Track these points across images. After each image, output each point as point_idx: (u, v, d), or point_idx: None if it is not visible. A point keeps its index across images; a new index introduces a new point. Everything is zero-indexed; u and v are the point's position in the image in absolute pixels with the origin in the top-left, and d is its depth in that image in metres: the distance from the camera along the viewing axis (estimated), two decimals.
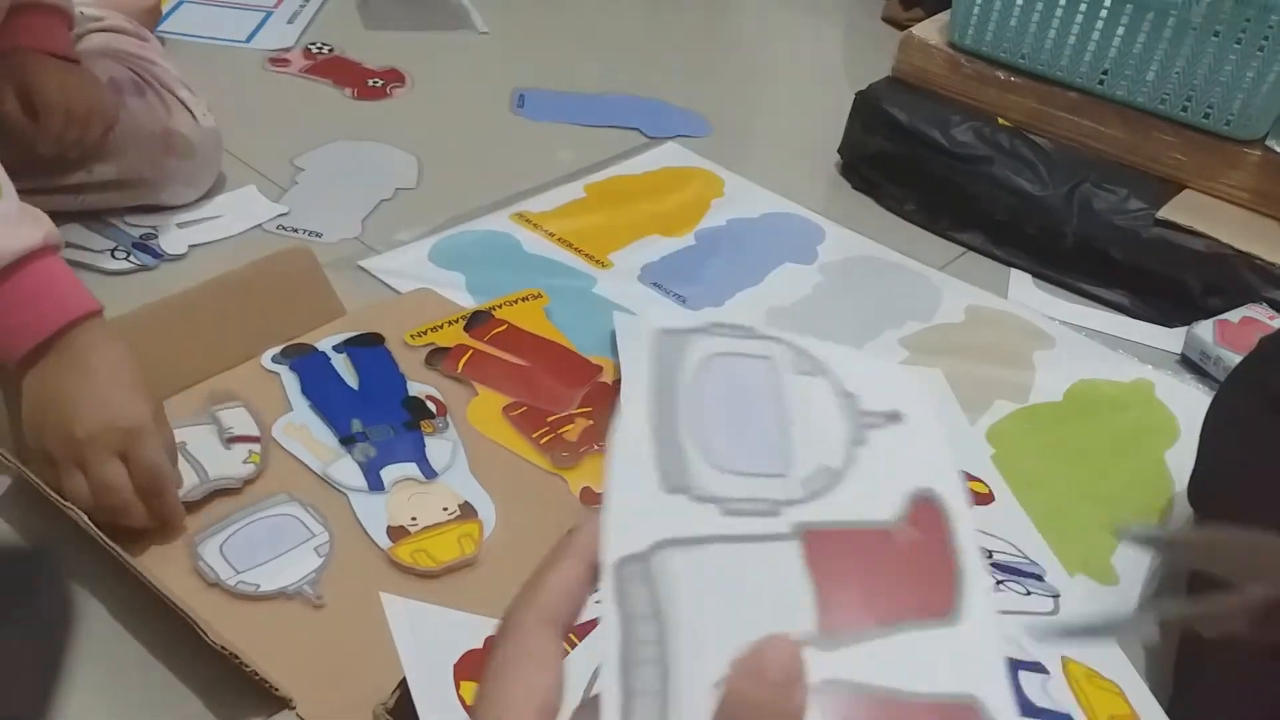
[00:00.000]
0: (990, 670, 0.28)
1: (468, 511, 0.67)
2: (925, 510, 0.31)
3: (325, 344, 0.77)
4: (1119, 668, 0.58)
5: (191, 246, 0.89)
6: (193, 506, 0.64)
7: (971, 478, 0.74)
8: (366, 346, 0.78)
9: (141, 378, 0.62)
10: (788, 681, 0.26)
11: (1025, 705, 0.53)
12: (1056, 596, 0.63)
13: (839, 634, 0.29)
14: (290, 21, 1.27)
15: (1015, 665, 0.56)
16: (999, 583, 0.62)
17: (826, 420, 0.33)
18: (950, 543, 0.30)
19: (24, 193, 0.63)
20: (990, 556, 0.64)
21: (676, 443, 0.35)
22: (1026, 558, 0.66)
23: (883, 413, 0.34)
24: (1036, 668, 0.56)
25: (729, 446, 0.34)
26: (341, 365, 0.76)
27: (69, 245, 0.85)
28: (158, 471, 0.60)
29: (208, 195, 0.94)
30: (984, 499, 0.72)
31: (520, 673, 0.28)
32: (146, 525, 0.61)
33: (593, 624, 0.57)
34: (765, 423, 0.36)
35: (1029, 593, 0.62)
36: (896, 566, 0.30)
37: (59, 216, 0.84)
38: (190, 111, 0.91)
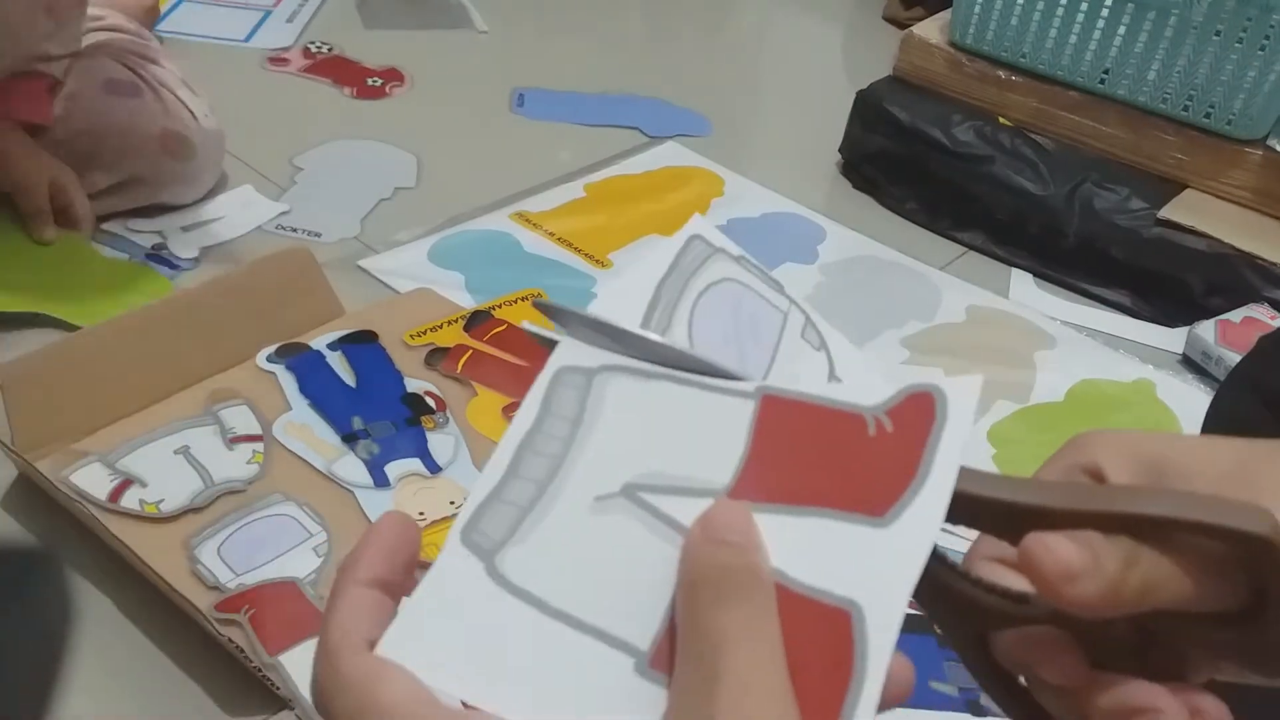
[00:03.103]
0: (891, 583, 0.24)
1: None
2: (915, 404, 0.27)
3: (320, 342, 0.77)
4: None
5: (202, 250, 0.88)
6: (196, 511, 0.64)
7: None
8: (361, 344, 0.78)
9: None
10: (745, 542, 0.25)
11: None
12: None
13: (743, 498, 0.26)
14: (289, 20, 1.27)
15: None
16: None
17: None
18: (926, 446, 0.26)
19: None
20: None
21: (670, 315, 0.35)
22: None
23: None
24: None
25: (713, 342, 0.34)
26: (337, 363, 0.76)
27: None
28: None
29: (210, 195, 0.94)
30: None
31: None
32: None
33: None
34: (754, 353, 0.36)
35: None
36: (850, 452, 0.27)
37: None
38: (190, 111, 0.90)
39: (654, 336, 0.30)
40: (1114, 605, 0.25)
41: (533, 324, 0.32)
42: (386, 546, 0.28)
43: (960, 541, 0.29)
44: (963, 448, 0.26)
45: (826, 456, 0.27)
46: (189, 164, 0.90)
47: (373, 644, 0.25)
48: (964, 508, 0.26)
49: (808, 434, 0.28)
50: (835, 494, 0.26)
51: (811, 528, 0.26)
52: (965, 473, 0.26)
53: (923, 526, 0.25)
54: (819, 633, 0.24)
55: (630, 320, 0.34)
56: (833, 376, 0.38)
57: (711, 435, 0.28)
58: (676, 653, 0.24)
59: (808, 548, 0.25)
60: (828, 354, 0.39)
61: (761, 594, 0.24)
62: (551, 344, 0.31)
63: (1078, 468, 0.29)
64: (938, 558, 0.26)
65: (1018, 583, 0.27)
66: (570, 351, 0.31)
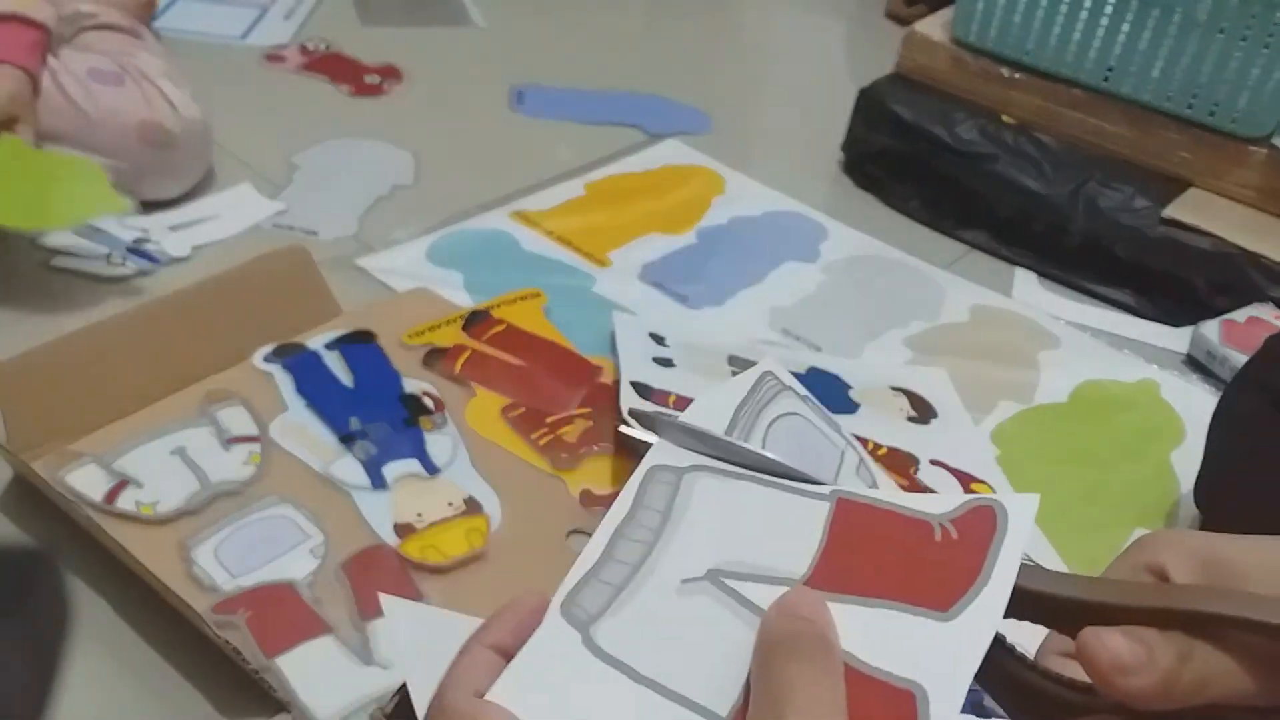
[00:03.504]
0: (954, 670, 0.27)
1: (473, 506, 0.66)
2: (979, 515, 0.30)
3: (317, 342, 0.76)
4: None
5: (195, 248, 0.88)
6: (193, 512, 0.63)
7: (976, 479, 0.73)
8: (358, 344, 0.77)
9: None
10: (817, 618, 0.28)
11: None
12: None
13: (817, 587, 0.29)
14: (287, 17, 1.27)
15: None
16: None
17: None
18: (988, 552, 0.29)
19: None
20: None
21: (747, 435, 0.40)
22: (1030, 560, 0.66)
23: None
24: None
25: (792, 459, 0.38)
26: (334, 363, 0.75)
27: (61, 254, 0.85)
28: None
29: (201, 193, 0.93)
30: None
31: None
32: None
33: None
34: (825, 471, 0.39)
35: None
36: (918, 553, 0.30)
37: None
38: (170, 101, 0.90)
39: (740, 441, 0.35)
40: (1168, 698, 0.26)
41: (627, 427, 0.38)
42: (515, 620, 0.32)
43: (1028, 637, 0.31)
44: (1021, 555, 0.28)
45: (895, 556, 0.30)
46: (168, 154, 0.90)
47: (481, 694, 0.29)
48: (1028, 603, 0.29)
49: (878, 535, 0.31)
50: (903, 589, 0.29)
51: (880, 617, 0.28)
52: (1029, 570, 0.29)
53: (985, 620, 0.28)
54: (883, 708, 0.27)
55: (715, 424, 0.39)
56: None
57: (789, 531, 0.32)
58: (749, 706, 0.27)
59: (876, 635, 0.28)
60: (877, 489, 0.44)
61: (829, 658, 0.27)
62: (646, 446, 0.36)
63: (1142, 566, 0.31)
64: (1008, 649, 0.29)
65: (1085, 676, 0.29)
66: (662, 452, 0.35)
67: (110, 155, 0.87)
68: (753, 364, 0.78)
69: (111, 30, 0.93)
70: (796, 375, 0.79)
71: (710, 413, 0.41)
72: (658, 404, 0.69)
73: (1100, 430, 0.80)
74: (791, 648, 0.27)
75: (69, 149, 0.86)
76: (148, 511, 0.62)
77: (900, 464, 0.72)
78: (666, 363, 0.76)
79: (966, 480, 0.73)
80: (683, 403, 0.70)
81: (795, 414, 0.45)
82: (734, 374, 0.77)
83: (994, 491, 0.73)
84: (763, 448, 0.38)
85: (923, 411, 0.79)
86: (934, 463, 0.73)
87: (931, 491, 0.70)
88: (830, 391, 0.79)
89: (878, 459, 0.72)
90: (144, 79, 0.90)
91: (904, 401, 0.80)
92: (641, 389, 0.71)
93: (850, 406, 0.78)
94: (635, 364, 0.74)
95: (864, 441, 0.73)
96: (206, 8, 1.26)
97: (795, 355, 0.83)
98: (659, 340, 0.79)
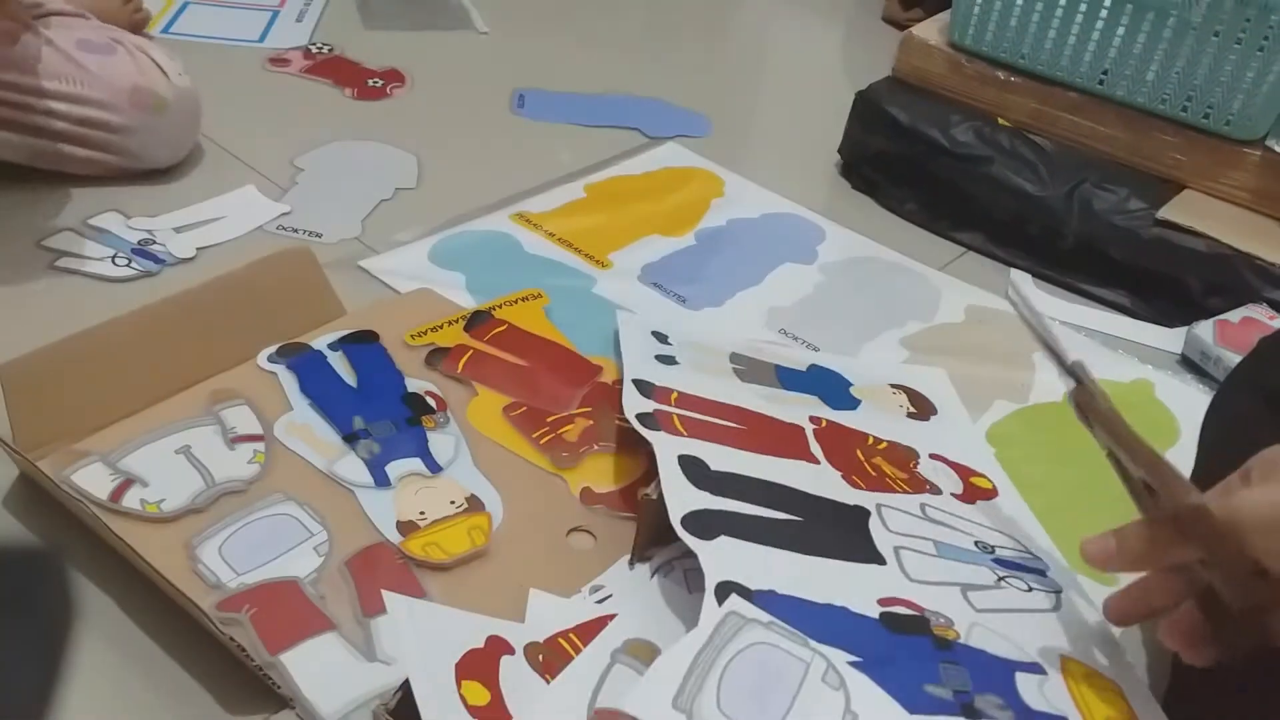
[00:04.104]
0: None
1: (475, 504, 0.67)
2: None
3: (320, 342, 0.77)
4: (1120, 668, 0.58)
5: (200, 249, 0.89)
6: (198, 511, 0.64)
7: (975, 472, 0.74)
8: (362, 344, 0.78)
9: None
10: None
11: (1021, 709, 0.53)
12: (1059, 593, 0.63)
13: None
14: (299, 20, 1.28)
15: (1012, 667, 0.55)
16: (1000, 579, 0.62)
17: None
18: None
19: None
20: (993, 552, 0.64)
21: (702, 681, 0.48)
22: (1029, 553, 0.66)
23: None
24: (1034, 668, 0.56)
25: (739, 695, 0.47)
26: (338, 363, 0.76)
27: (66, 254, 0.86)
28: None
29: (189, 170, 0.95)
30: (987, 494, 0.72)
31: None
32: None
33: (598, 625, 0.57)
34: (776, 698, 0.48)
35: (1030, 589, 0.62)
36: None
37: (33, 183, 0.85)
38: (162, 70, 0.92)
39: None
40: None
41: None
42: None
43: None
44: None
45: None
46: (161, 120, 0.92)
47: None
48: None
49: None
50: None
51: None
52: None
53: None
54: None
55: (668, 685, 0.47)
56: (848, 710, 0.49)
57: None
58: None
59: None
60: (845, 691, 0.50)
61: None
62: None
63: (1241, 471, 0.48)
64: None
65: None
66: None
67: (98, 110, 0.89)
68: (755, 360, 0.80)
69: (65, 16, 0.94)
70: (797, 372, 0.80)
71: (672, 660, 0.48)
72: (659, 402, 0.70)
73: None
74: None
75: (63, 109, 0.88)
76: (153, 510, 0.63)
77: (900, 458, 0.73)
78: (669, 360, 0.77)
79: (966, 473, 0.74)
80: (686, 400, 0.71)
81: (757, 644, 0.51)
82: (735, 370, 0.78)
83: (993, 484, 0.73)
84: (719, 684, 0.47)
85: (922, 408, 0.80)
86: (934, 456, 0.74)
87: (933, 483, 0.71)
88: (831, 387, 0.80)
89: (877, 453, 0.73)
90: (136, 49, 0.92)
91: (904, 398, 0.81)
92: (644, 386, 0.71)
93: (851, 402, 0.78)
94: (638, 362, 0.75)
95: (864, 436, 0.74)
96: (217, 13, 1.27)
97: (795, 353, 0.84)
98: (662, 338, 0.80)
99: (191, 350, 0.73)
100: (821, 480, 0.67)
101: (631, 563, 0.63)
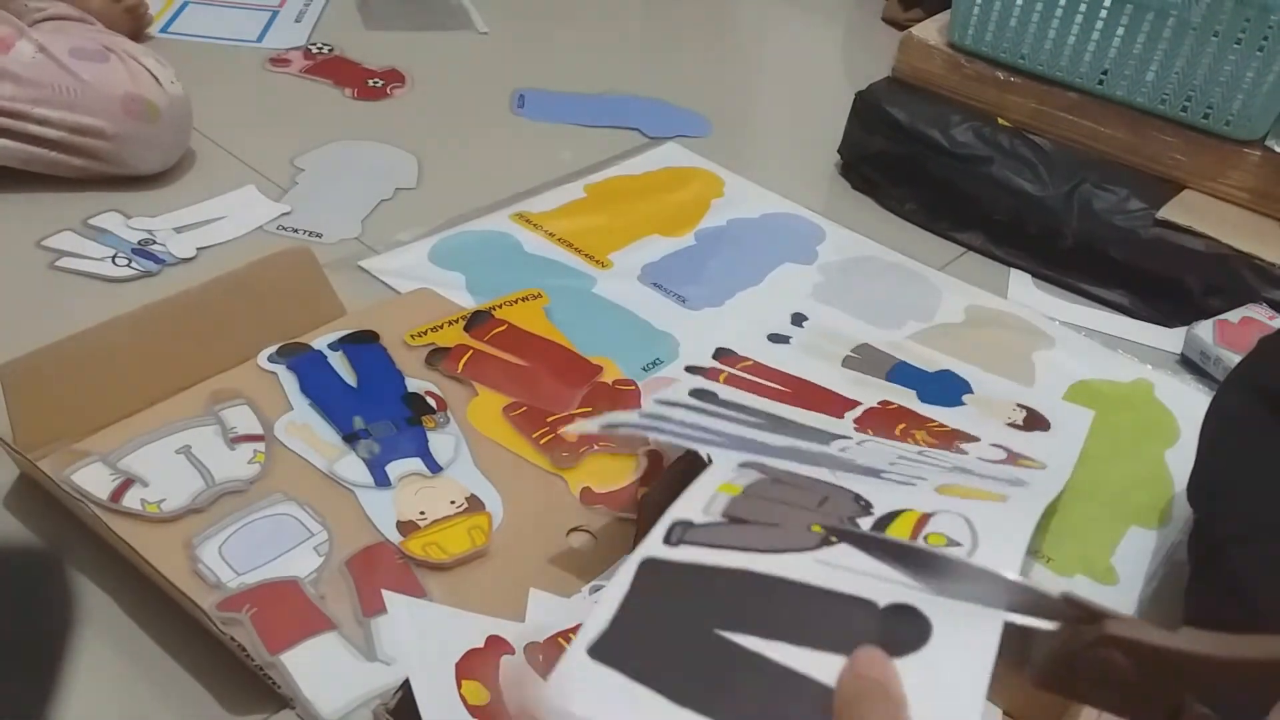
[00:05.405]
0: None
1: (475, 504, 0.67)
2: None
3: (321, 342, 0.77)
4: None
5: (200, 249, 0.89)
6: (198, 511, 0.64)
7: (1023, 456, 0.72)
8: (362, 344, 0.78)
9: None
10: (885, 677, 0.32)
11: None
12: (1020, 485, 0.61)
13: None
14: (298, 20, 1.28)
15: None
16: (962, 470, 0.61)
17: None
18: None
19: None
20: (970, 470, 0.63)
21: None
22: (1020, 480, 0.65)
23: None
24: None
25: None
26: (339, 363, 0.76)
27: (66, 254, 0.86)
28: None
29: (183, 172, 0.95)
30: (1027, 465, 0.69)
31: None
32: None
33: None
34: None
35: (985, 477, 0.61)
36: None
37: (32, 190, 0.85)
38: (155, 77, 0.92)
39: None
40: None
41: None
42: None
43: None
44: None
45: None
46: (153, 128, 0.92)
47: None
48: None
49: None
50: None
51: None
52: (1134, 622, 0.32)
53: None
54: None
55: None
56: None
57: None
58: None
59: None
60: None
61: (900, 708, 0.32)
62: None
63: None
64: None
65: None
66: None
67: (92, 118, 0.89)
68: (878, 352, 0.79)
69: (67, 21, 0.94)
70: (914, 369, 0.81)
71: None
72: (725, 365, 0.71)
73: (1095, 430, 0.81)
74: (866, 699, 0.32)
75: (56, 117, 0.88)
76: (153, 510, 0.63)
77: (947, 435, 0.71)
78: (782, 339, 0.80)
79: (1013, 458, 0.72)
80: (752, 367, 0.72)
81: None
82: (848, 357, 0.81)
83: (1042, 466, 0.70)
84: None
85: (1032, 424, 0.76)
86: (996, 445, 0.72)
87: (963, 450, 0.69)
88: (941, 388, 0.80)
89: (924, 427, 0.71)
90: (129, 57, 0.92)
91: (1021, 415, 0.78)
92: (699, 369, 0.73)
93: (954, 403, 0.78)
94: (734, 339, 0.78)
95: (926, 419, 0.73)
96: (216, 12, 1.27)
97: (929, 354, 0.84)
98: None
99: (191, 350, 0.73)
100: (824, 421, 0.66)
101: None
